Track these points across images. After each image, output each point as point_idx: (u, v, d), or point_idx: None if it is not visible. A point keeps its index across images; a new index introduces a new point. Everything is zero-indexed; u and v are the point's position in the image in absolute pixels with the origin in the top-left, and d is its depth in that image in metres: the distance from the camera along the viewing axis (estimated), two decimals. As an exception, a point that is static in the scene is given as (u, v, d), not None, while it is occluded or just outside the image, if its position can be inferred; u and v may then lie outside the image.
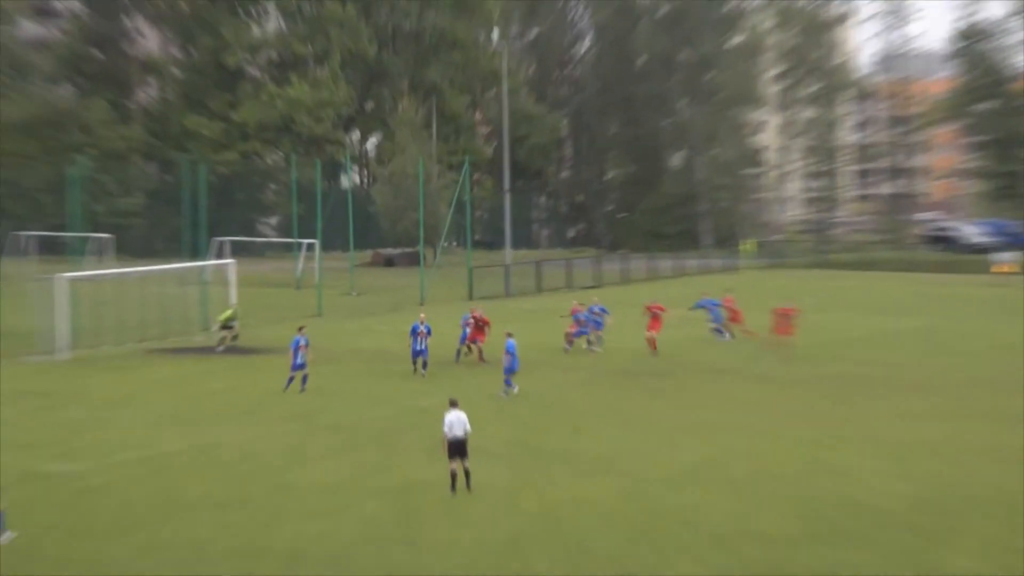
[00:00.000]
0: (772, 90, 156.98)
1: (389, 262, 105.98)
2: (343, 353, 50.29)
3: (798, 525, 24.42)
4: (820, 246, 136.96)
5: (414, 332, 44.78)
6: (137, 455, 30.70)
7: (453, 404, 27.25)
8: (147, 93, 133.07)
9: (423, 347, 44.60)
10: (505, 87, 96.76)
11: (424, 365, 44.60)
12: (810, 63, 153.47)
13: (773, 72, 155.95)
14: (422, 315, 46.55)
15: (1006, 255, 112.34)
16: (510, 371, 39.81)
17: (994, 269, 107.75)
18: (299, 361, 40.33)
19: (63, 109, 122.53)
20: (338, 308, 68.93)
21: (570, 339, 51.65)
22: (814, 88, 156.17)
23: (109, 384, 42.34)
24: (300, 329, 41.50)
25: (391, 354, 49.62)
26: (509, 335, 40.28)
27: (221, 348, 51.19)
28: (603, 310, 52.98)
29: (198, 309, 60.22)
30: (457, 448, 26.92)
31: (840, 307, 70.88)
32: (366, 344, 53.48)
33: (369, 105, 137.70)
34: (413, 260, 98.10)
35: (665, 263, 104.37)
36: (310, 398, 39.13)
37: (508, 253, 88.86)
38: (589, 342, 51.97)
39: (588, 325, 51.99)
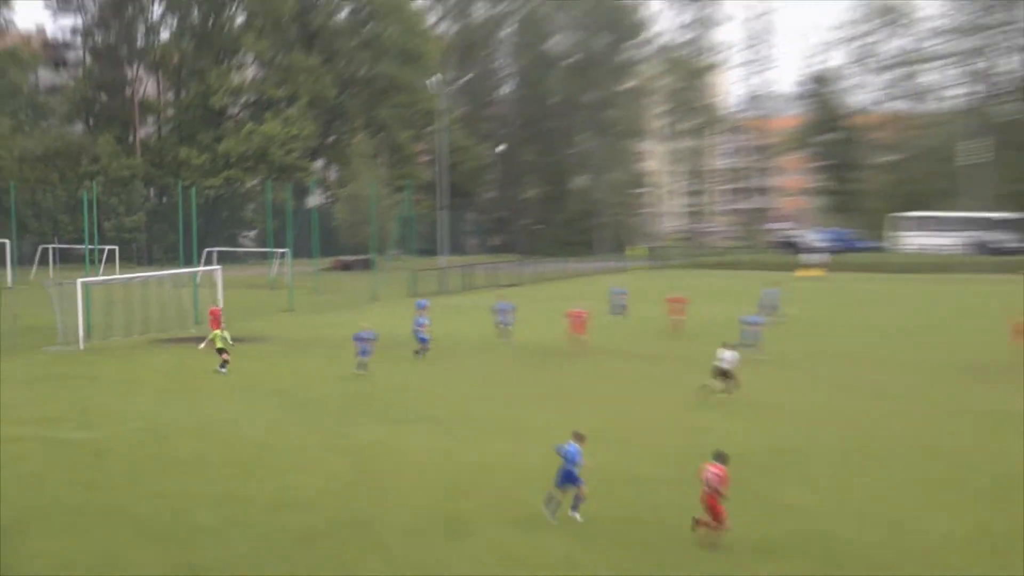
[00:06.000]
0: (658, 124, 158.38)
1: (347, 267, 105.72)
2: (310, 341, 50.57)
3: (666, 468, 25.22)
4: (695, 250, 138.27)
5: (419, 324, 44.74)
6: (143, 425, 30.97)
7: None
8: (146, 130, 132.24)
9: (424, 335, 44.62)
10: (445, 123, 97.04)
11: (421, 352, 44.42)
12: (689, 102, 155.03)
13: (659, 110, 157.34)
14: (425, 300, 47.95)
15: (815, 257, 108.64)
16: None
17: (799, 273, 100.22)
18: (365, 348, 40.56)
19: (76, 144, 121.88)
20: (306, 305, 69.11)
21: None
22: (692, 123, 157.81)
23: (119, 369, 42.38)
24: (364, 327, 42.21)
25: (349, 342, 49.81)
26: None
27: (203, 347, 43.87)
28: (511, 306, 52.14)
29: (191, 307, 60.35)
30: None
31: (706, 298, 71.32)
32: (328, 333, 53.67)
33: (330, 139, 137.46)
34: (366, 265, 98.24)
35: (571, 265, 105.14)
36: (275, 380, 39.38)
37: (443, 258, 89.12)
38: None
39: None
